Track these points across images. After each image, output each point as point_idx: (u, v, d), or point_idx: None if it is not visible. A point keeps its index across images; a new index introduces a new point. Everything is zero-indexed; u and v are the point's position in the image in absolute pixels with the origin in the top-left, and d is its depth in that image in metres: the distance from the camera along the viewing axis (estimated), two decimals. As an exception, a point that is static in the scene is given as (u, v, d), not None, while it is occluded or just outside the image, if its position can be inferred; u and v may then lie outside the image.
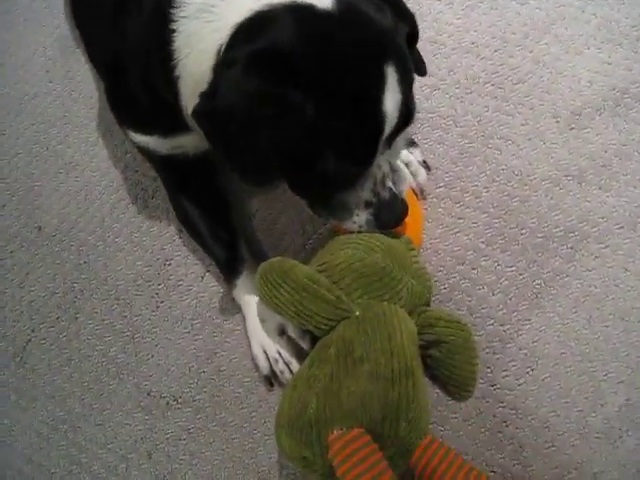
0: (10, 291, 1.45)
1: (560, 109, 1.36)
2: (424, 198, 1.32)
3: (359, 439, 0.94)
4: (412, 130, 1.36)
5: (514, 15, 1.44)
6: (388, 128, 0.98)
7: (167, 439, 1.29)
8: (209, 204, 1.34)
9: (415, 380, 0.99)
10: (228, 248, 1.31)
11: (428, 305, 1.17)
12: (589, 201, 1.29)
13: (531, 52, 1.41)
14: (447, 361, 1.09)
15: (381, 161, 1.04)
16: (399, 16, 1.03)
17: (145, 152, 1.32)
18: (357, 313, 1.04)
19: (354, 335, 1.02)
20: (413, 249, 1.15)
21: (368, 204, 1.06)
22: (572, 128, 1.34)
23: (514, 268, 1.27)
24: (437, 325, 1.09)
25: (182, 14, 1.01)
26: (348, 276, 1.06)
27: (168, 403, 1.31)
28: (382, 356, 0.99)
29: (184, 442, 1.28)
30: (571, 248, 1.26)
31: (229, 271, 1.29)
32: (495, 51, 1.42)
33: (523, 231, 1.29)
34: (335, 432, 0.96)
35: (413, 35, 1.08)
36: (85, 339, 1.38)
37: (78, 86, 1.58)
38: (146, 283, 1.39)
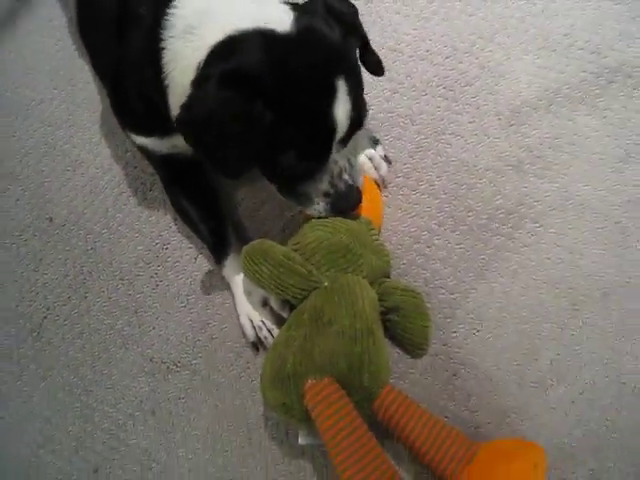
0: (26, 274, 1.57)
1: (502, 108, 1.52)
2: (385, 187, 1.47)
3: (329, 386, 1.11)
4: (375, 129, 1.52)
5: (463, 26, 1.60)
6: (340, 132, 1.11)
7: (168, 398, 1.42)
8: (200, 196, 1.47)
9: (375, 338, 1.15)
10: (217, 233, 1.43)
11: (388, 277, 1.34)
12: (526, 187, 1.45)
13: (477, 59, 1.57)
14: (403, 324, 1.25)
15: (337, 157, 1.17)
16: (349, 32, 1.15)
17: (144, 151, 1.45)
18: (326, 284, 1.20)
19: (323, 302, 1.17)
20: (373, 229, 1.31)
21: (326, 194, 1.20)
22: (512, 124, 1.50)
23: (462, 245, 1.42)
24: (394, 294, 1.25)
25: (170, 34, 1.15)
26: (317, 253, 1.22)
27: (168, 367, 1.44)
28: (347, 319, 1.14)
29: (183, 400, 1.41)
30: (511, 227, 1.42)
31: (218, 253, 1.42)
32: (446, 58, 1.58)
33: (470, 214, 1.44)
34: (309, 381, 1.12)
35: (365, 45, 1.22)
36: (94, 315, 1.50)
37: (81, 92, 1.70)
38: (146, 265, 1.52)
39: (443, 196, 1.47)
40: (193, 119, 1.07)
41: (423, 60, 1.59)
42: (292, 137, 1.08)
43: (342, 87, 1.08)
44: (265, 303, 1.38)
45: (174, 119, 1.14)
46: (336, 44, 1.11)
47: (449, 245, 1.44)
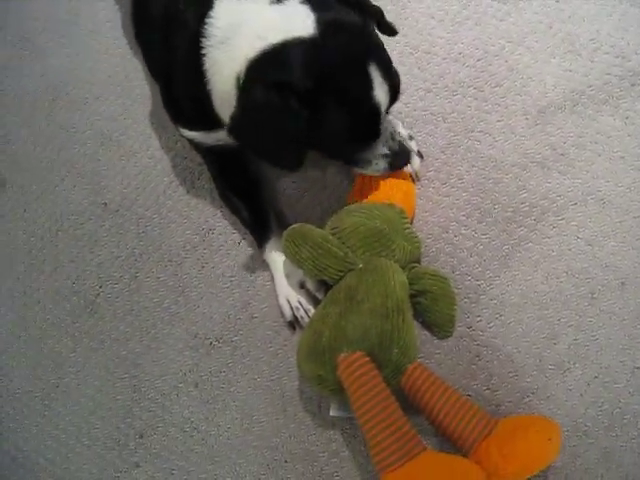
0: (82, 255, 1.67)
1: (529, 108, 1.59)
2: (418, 180, 1.56)
3: (360, 359, 1.20)
4: (409, 125, 1.61)
5: (494, 30, 1.68)
6: (383, 108, 1.22)
7: (210, 372, 1.50)
8: (243, 185, 1.57)
9: (404, 317, 1.25)
10: (259, 220, 1.53)
11: (418, 262, 1.43)
12: (549, 182, 1.52)
13: (507, 61, 1.64)
14: (431, 307, 1.35)
15: (386, 124, 1.29)
16: (365, 12, 1.25)
17: (193, 144, 1.56)
18: (360, 266, 1.30)
19: (358, 282, 1.27)
20: (406, 218, 1.39)
21: (385, 155, 1.33)
22: (538, 123, 1.58)
23: (488, 236, 1.50)
24: (424, 278, 1.35)
25: (208, 43, 1.26)
26: (354, 237, 1.32)
27: (211, 343, 1.53)
28: (379, 298, 1.24)
29: (224, 374, 1.49)
30: (534, 220, 1.50)
31: (260, 238, 1.52)
32: (478, 60, 1.66)
33: (496, 206, 1.52)
34: (343, 354, 1.21)
35: (381, 17, 1.31)
36: (144, 293, 1.60)
37: (135, 88, 1.82)
38: (193, 248, 1.62)
39: (471, 189, 1.55)
40: (243, 128, 1.22)
41: (456, 62, 1.67)
42: (342, 127, 1.20)
43: (375, 72, 1.18)
44: (302, 285, 1.46)
45: (218, 115, 1.33)
46: (357, 34, 1.20)
47: (475, 235, 1.51)
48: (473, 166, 1.57)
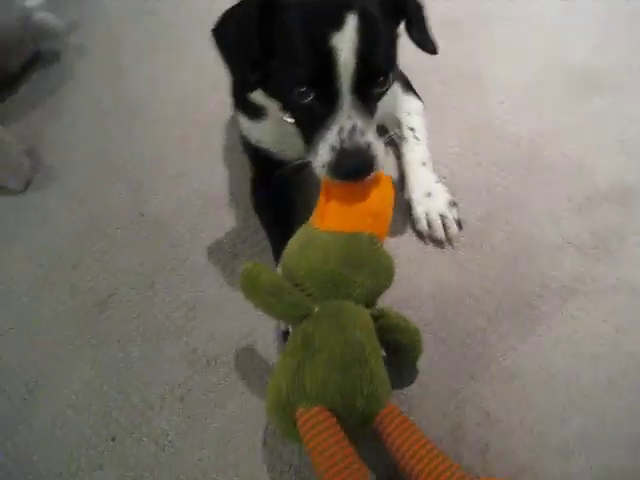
0: (107, 257, 1.71)
1: (575, 193, 1.61)
2: (451, 245, 1.56)
3: (317, 415, 1.11)
4: (453, 193, 1.62)
5: (552, 119, 1.72)
6: (345, 69, 1.12)
7: (200, 389, 1.45)
8: (278, 200, 1.60)
9: (368, 365, 1.15)
10: (283, 237, 1.45)
11: (386, 288, 1.32)
12: (584, 267, 1.50)
13: (560, 148, 1.69)
14: (395, 358, 1.32)
15: (353, 115, 1.17)
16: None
17: (244, 141, 1.62)
18: (316, 310, 1.20)
19: (314, 329, 1.18)
20: (375, 244, 1.26)
21: (333, 148, 1.19)
22: (582, 209, 1.58)
23: (511, 306, 1.46)
24: (395, 331, 1.28)
25: None
26: (308, 281, 1.23)
27: (208, 361, 1.49)
28: (337, 346, 1.15)
29: (213, 394, 1.44)
30: (562, 299, 1.46)
31: (278, 255, 1.47)
32: (531, 141, 1.70)
33: (524, 280, 1.50)
34: (299, 410, 1.13)
35: (410, 20, 1.27)
36: (155, 302, 1.60)
37: (204, 115, 1.93)
38: (215, 269, 1.63)
39: (501, 260, 1.54)
40: (218, 29, 1.24)
41: (509, 142, 1.71)
42: (293, 56, 1.15)
43: (351, 22, 1.11)
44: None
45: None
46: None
47: (498, 304, 1.47)
48: (508, 239, 1.56)
